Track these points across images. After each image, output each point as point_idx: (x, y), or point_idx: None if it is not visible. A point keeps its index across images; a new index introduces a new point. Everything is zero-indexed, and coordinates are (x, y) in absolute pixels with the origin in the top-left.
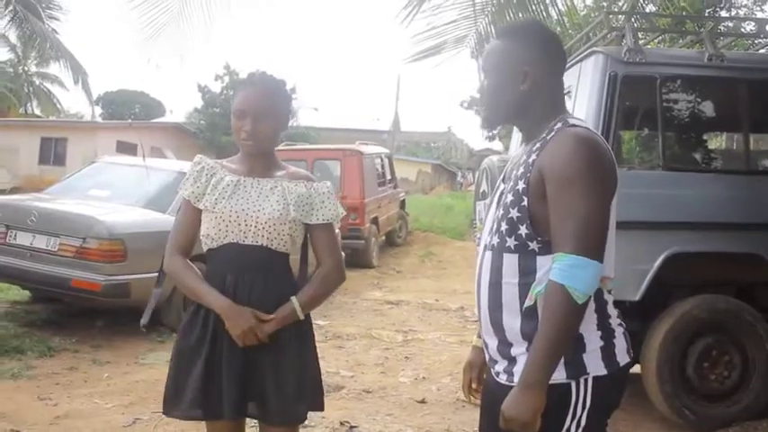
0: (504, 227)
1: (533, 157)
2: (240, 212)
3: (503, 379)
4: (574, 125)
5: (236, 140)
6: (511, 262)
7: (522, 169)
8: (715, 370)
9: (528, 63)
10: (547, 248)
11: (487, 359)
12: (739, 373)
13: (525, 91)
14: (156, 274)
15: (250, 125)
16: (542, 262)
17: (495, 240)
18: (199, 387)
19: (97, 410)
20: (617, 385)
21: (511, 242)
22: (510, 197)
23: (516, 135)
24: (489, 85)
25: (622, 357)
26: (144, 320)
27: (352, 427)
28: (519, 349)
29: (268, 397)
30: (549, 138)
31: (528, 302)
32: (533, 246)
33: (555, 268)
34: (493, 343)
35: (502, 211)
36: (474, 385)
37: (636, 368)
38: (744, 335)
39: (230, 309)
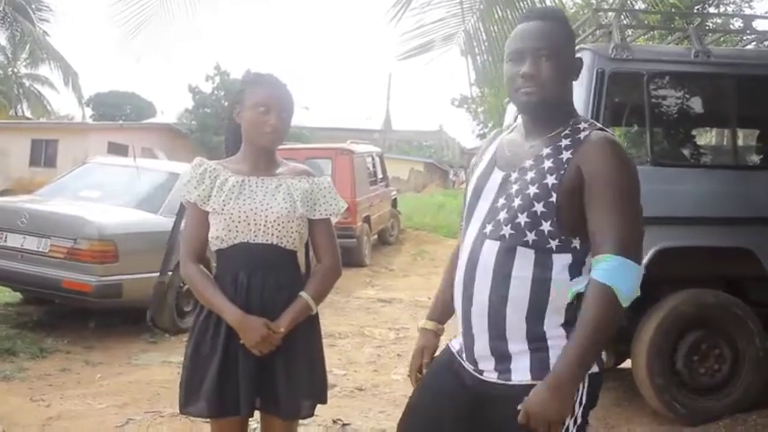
0: (523, 219)
1: (566, 155)
2: (249, 212)
3: (491, 377)
4: (603, 129)
5: (252, 135)
6: (525, 255)
7: (550, 164)
8: (705, 364)
9: (574, 55)
10: (564, 247)
11: (463, 355)
12: (729, 366)
13: (570, 84)
14: (146, 275)
15: (275, 119)
16: (557, 260)
17: (509, 231)
18: (214, 387)
19: (90, 411)
20: (602, 381)
21: (530, 237)
22: (534, 189)
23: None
24: (553, 68)
25: (605, 354)
26: (151, 315)
27: (344, 424)
28: (517, 346)
29: (279, 391)
30: (582, 138)
31: (565, 300)
32: (552, 244)
33: (600, 269)
34: (482, 340)
35: (520, 202)
36: (425, 371)
37: (627, 363)
38: (733, 328)
39: (243, 322)
